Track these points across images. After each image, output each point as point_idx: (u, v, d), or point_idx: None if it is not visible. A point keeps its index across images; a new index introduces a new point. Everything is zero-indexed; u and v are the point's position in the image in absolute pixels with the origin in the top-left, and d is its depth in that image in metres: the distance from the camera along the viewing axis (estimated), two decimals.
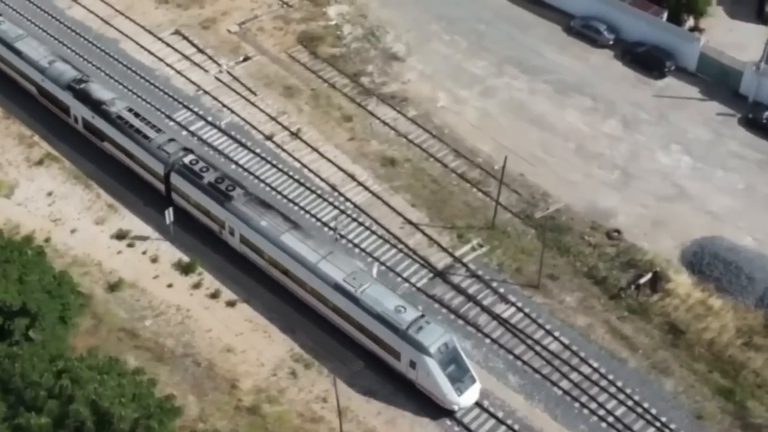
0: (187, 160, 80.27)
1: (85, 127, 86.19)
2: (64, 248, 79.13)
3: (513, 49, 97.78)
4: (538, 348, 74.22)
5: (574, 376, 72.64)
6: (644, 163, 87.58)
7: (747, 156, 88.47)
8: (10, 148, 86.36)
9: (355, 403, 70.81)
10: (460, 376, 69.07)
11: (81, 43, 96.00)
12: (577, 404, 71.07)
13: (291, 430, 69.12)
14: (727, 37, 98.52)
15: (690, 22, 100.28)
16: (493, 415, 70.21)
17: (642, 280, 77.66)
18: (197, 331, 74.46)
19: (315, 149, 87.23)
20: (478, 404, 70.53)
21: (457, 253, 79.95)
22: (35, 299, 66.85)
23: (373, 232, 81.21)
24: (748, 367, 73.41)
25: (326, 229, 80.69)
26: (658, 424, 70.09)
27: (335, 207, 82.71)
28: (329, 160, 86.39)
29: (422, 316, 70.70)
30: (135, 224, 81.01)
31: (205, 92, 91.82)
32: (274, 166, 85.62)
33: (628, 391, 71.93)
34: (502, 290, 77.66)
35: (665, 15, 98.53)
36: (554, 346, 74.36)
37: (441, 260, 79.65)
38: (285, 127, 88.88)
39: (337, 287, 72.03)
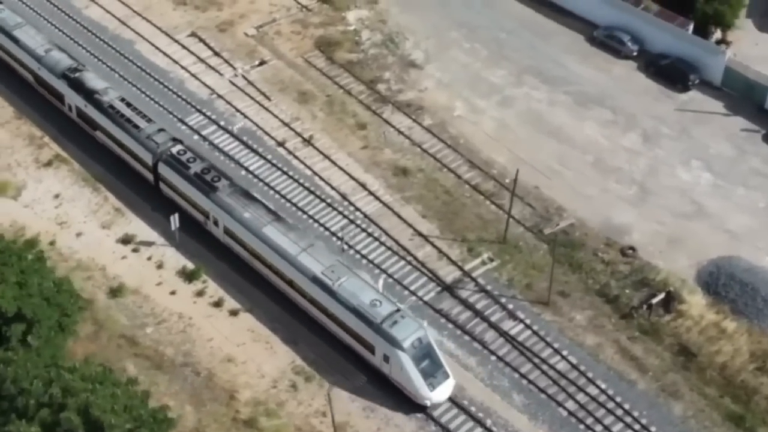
0: (175, 150, 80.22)
1: (78, 116, 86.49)
2: (69, 252, 78.26)
3: (534, 58, 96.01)
4: (544, 367, 72.53)
5: (580, 396, 70.89)
6: (663, 179, 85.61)
7: None
8: (20, 148, 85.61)
9: (354, 418, 69.39)
10: (433, 372, 68.72)
11: (96, 44, 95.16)
12: (582, 426, 69.31)
13: None
14: (755, 51, 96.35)
15: (717, 34, 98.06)
16: None
17: (655, 300, 75.78)
18: (198, 340, 73.34)
19: (327, 157, 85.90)
20: (481, 424, 69.13)
21: (467, 267, 78.39)
22: (32, 305, 65.88)
23: (382, 243, 79.77)
24: (760, 393, 71.43)
25: (334, 239, 79.34)
26: None
27: (345, 216, 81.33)
28: (341, 169, 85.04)
29: (398, 310, 70.27)
30: (141, 229, 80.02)
31: (219, 96, 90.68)
32: (284, 173, 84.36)
33: (636, 414, 70.04)
34: (510, 306, 76.02)
35: (691, 27, 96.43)
36: (561, 366, 72.61)
37: (450, 274, 78.10)
38: (298, 134, 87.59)
39: (315, 280, 71.94)
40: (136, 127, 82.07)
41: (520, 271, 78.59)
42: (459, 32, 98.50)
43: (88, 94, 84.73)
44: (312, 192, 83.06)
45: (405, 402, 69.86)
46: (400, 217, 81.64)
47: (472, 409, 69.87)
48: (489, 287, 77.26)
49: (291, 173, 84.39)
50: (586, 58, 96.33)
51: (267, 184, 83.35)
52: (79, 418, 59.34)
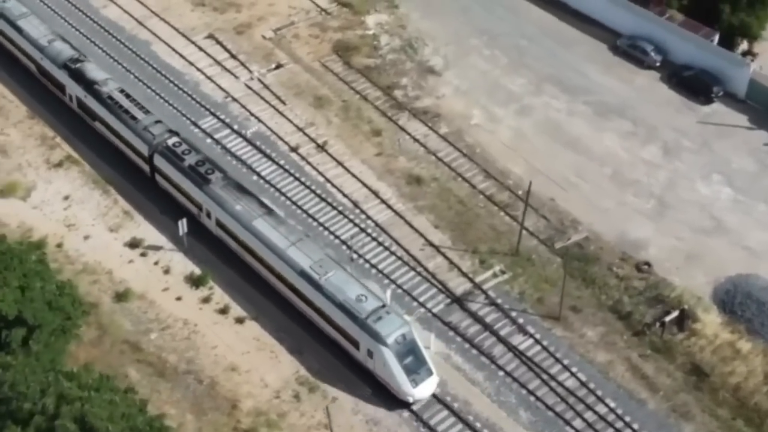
0: (170, 142, 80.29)
1: (78, 106, 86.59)
2: (76, 255, 77.54)
3: (554, 66, 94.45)
4: (553, 384, 71.01)
5: (588, 415, 69.30)
6: (682, 193, 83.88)
7: None
8: (31, 148, 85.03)
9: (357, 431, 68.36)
10: (416, 368, 68.46)
11: (113, 44, 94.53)
12: None
13: None
14: None
15: (743, 46, 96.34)
16: None
17: (668, 318, 74.14)
18: (202, 348, 72.38)
19: (340, 163, 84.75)
20: None
21: (478, 279, 77.01)
22: (33, 309, 65.29)
23: (393, 253, 78.52)
24: None
25: (343, 247, 78.22)
26: None
27: (355, 225, 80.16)
28: (354, 176, 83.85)
29: (383, 306, 70.05)
30: (150, 233, 79.18)
31: (234, 99, 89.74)
32: (296, 179, 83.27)
33: None
34: (521, 321, 74.61)
35: (716, 38, 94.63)
36: (570, 383, 71.09)
37: (460, 286, 76.74)
38: (312, 139, 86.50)
39: (303, 274, 71.81)
40: (134, 118, 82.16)
41: (532, 284, 77.14)
42: (479, 39, 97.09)
43: (88, 85, 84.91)
44: (323, 199, 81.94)
45: (411, 416, 68.80)
46: (411, 226, 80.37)
47: (477, 425, 68.44)
48: (499, 300, 75.87)
49: (303, 179, 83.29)
50: (608, 68, 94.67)
51: (278, 190, 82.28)
52: (74, 426, 58.68)
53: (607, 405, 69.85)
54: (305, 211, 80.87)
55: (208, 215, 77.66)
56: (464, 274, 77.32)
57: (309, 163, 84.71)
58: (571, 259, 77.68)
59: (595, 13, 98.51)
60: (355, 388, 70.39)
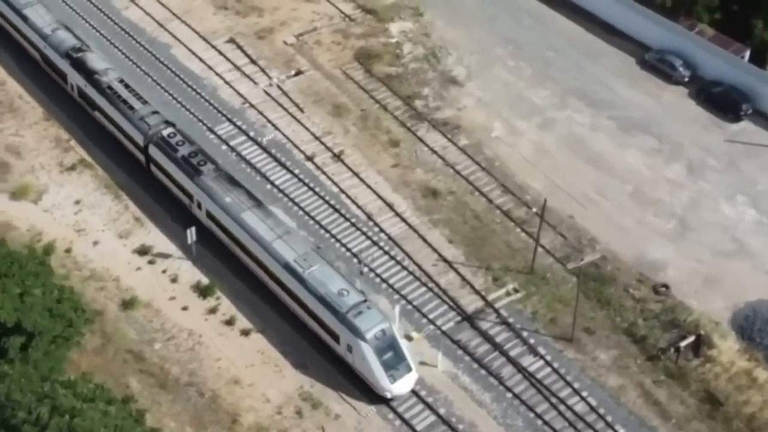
0: (165, 133, 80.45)
1: (79, 96, 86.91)
2: (84, 260, 76.71)
3: (580, 79, 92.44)
4: (562, 407, 69.26)
5: None
6: (705, 214, 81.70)
7: None
8: (45, 150, 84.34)
9: None
10: (395, 364, 68.36)
11: (132, 46, 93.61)
12: None
13: None
14: None
15: None
16: None
17: (684, 343, 72.11)
18: (206, 359, 71.28)
19: (356, 174, 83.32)
20: None
21: (490, 297, 75.35)
22: (32, 317, 64.42)
23: (404, 268, 77.02)
24: None
25: (355, 260, 76.85)
26: None
27: (368, 238, 78.71)
28: (369, 187, 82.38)
29: (364, 301, 70.08)
30: (159, 240, 78.21)
31: (251, 105, 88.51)
32: (310, 189, 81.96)
33: None
34: (532, 341, 72.90)
35: (747, 54, 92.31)
36: (580, 407, 69.34)
37: (472, 303, 75.14)
38: (328, 148, 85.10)
39: (287, 267, 71.95)
40: (131, 108, 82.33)
41: (546, 304, 75.38)
42: (505, 49, 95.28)
43: (89, 74, 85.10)
44: (337, 210, 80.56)
45: None
46: (425, 240, 78.84)
47: None
48: (511, 320, 74.20)
49: (317, 189, 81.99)
50: (634, 82, 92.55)
51: (292, 200, 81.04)
52: None
53: None
54: (317, 222, 79.57)
55: (199, 206, 77.97)
56: (476, 292, 75.71)
57: (324, 173, 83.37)
58: (586, 279, 75.83)
59: (624, 25, 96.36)
60: (358, 405, 69.05)
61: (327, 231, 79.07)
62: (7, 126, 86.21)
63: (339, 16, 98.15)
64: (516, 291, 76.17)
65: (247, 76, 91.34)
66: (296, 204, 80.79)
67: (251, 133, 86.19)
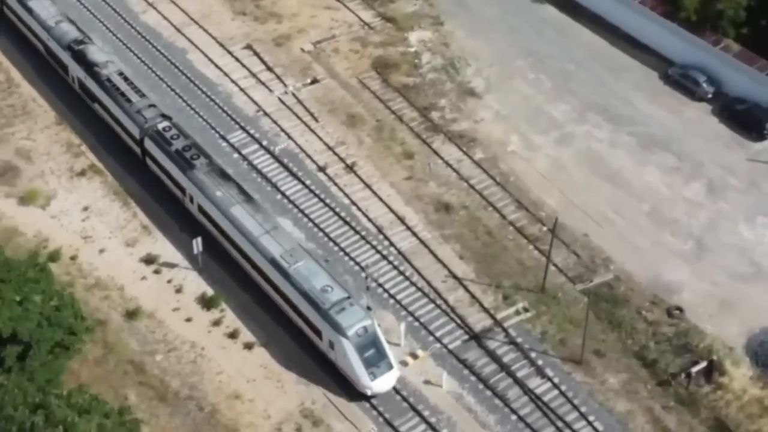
0: (161, 126, 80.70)
1: (79, 87, 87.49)
2: (89, 268, 75.99)
3: (600, 94, 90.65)
4: None
5: None
6: (723, 235, 79.77)
7: None
8: (56, 155, 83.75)
9: None
10: (376, 361, 68.38)
11: (149, 51, 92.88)
12: None
13: None
14: None
15: None
16: None
17: (695, 369, 70.37)
18: (207, 373, 70.31)
19: (368, 186, 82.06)
20: None
21: (499, 316, 73.89)
22: (29, 326, 63.46)
23: (413, 284, 75.72)
24: None
25: (362, 274, 75.62)
26: None
27: (377, 252, 77.44)
28: (381, 199, 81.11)
29: (348, 297, 70.12)
30: (166, 249, 77.36)
31: (266, 114, 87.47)
32: (321, 200, 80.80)
33: None
34: (540, 362, 71.36)
35: None
36: None
37: (480, 322, 73.71)
38: (341, 159, 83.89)
39: (273, 262, 72.10)
40: (129, 101, 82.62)
41: (556, 324, 73.82)
42: (525, 61, 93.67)
43: (89, 66, 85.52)
44: (347, 223, 79.36)
45: None
46: (435, 256, 77.48)
47: None
48: (520, 339, 72.71)
49: (328, 201, 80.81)
50: (656, 98, 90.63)
51: (302, 211, 79.93)
52: None
53: None
54: (327, 235, 78.42)
55: (191, 200, 78.12)
56: (485, 310, 74.28)
57: (336, 184, 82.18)
58: (598, 299, 74.34)
59: (648, 38, 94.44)
60: (360, 424, 67.88)
61: (336, 244, 77.90)
62: (19, 129, 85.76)
63: (358, 23, 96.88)
64: (526, 310, 74.71)
65: (263, 84, 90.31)
66: (306, 215, 79.66)
67: (264, 142, 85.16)
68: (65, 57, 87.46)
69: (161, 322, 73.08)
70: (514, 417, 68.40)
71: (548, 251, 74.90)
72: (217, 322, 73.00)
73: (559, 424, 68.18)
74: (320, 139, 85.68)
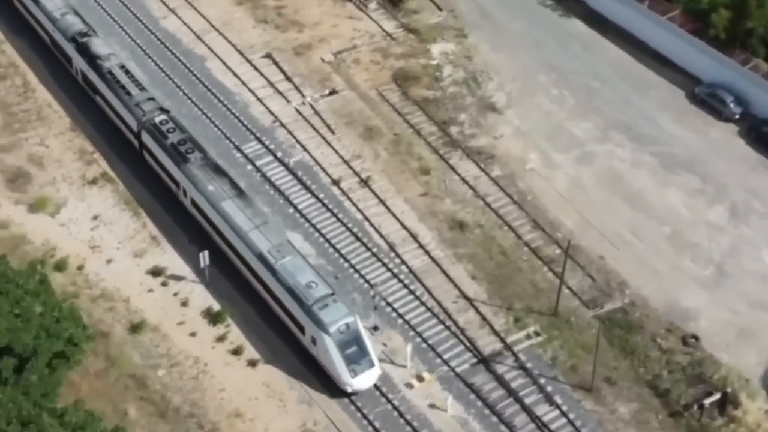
0: (158, 119, 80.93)
1: (82, 80, 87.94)
2: (95, 279, 75.04)
3: (624, 112, 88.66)
4: None
5: None
6: (745, 262, 77.65)
7: None
8: (69, 162, 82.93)
9: None
10: (357, 359, 68.34)
11: (167, 58, 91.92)
12: None
13: None
14: None
15: None
16: None
17: (708, 400, 68.46)
18: (209, 390, 69.13)
19: (382, 201, 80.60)
20: None
21: (509, 339, 72.23)
22: (25, 337, 62.38)
23: (423, 303, 74.19)
24: None
25: (371, 292, 74.19)
26: None
27: (388, 269, 75.97)
28: (394, 216, 79.64)
29: (332, 294, 70.15)
30: (174, 261, 76.26)
31: (282, 125, 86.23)
32: (334, 215, 79.41)
33: None
34: (549, 389, 69.64)
35: None
36: None
37: (489, 345, 72.07)
38: (356, 173, 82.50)
39: (260, 257, 72.30)
40: (128, 94, 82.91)
41: (567, 349, 72.05)
42: (549, 76, 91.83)
43: (91, 59, 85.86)
44: (359, 239, 77.92)
45: None
46: (447, 275, 75.93)
47: None
48: (529, 365, 70.99)
49: (341, 216, 79.40)
50: (681, 117, 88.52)
51: (313, 226, 78.58)
52: None
53: None
54: (338, 250, 77.02)
55: (185, 194, 78.34)
56: (495, 333, 72.64)
57: (349, 199, 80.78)
58: (612, 325, 72.66)
59: (675, 55, 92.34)
60: None
61: (346, 260, 76.50)
62: (32, 135, 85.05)
63: (381, 34, 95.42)
64: (537, 334, 72.98)
65: (280, 93, 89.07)
66: (318, 230, 78.32)
67: (279, 154, 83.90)
68: (69, 49, 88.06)
69: (165, 336, 72.00)
70: None
71: (561, 273, 73.12)
72: (221, 338, 71.82)
73: None
74: (336, 151, 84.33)
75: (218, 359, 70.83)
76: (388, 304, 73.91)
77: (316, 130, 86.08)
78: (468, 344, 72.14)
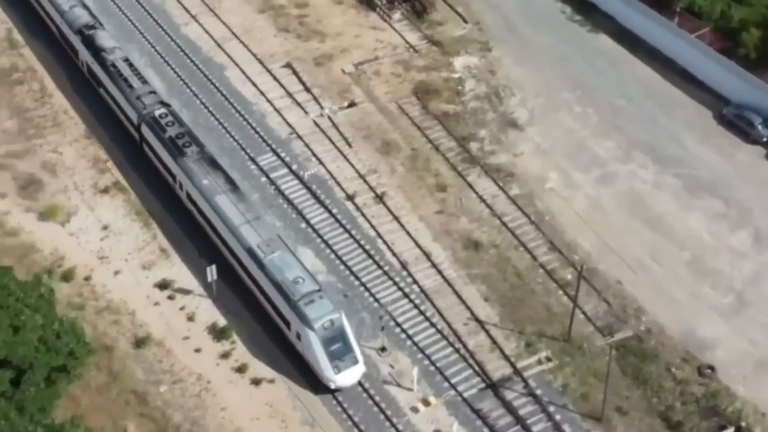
0: (157, 113, 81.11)
1: (88, 72, 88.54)
2: (102, 290, 74.13)
3: (649, 132, 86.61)
4: None
5: None
6: (766, 290, 75.50)
7: None
8: (82, 170, 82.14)
9: None
10: (341, 355, 68.30)
11: (186, 65, 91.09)
12: None
13: None
14: None
15: None
16: None
17: None
18: (211, 408, 67.96)
19: (396, 218, 79.18)
20: None
21: (520, 365, 70.54)
22: (23, 351, 61.55)
23: (433, 325, 72.65)
24: None
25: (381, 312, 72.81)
26: None
27: (399, 288, 74.51)
28: (408, 233, 78.16)
29: (318, 290, 70.10)
30: (182, 275, 75.23)
31: (298, 137, 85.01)
32: (346, 230, 78.07)
33: None
34: (558, 417, 67.85)
35: None
36: None
37: (499, 369, 70.41)
38: (371, 188, 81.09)
39: (250, 251, 72.38)
40: (130, 86, 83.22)
41: (579, 377, 70.24)
42: (573, 93, 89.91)
43: (96, 51, 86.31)
44: (371, 256, 76.52)
45: None
46: (459, 296, 74.33)
47: None
48: (539, 391, 69.25)
49: (353, 232, 78.04)
50: (708, 138, 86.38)
51: (325, 242, 77.26)
52: None
53: None
54: (348, 268, 75.65)
55: (181, 187, 78.54)
56: (506, 357, 70.97)
57: (363, 215, 79.41)
58: (626, 352, 70.82)
59: (704, 75, 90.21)
60: None
61: (357, 278, 75.12)
62: (47, 141, 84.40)
63: (403, 45, 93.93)
64: (548, 360, 71.26)
65: (299, 105, 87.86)
66: (329, 246, 76.99)
67: (294, 166, 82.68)
68: (76, 41, 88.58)
69: (169, 351, 70.92)
70: None
71: (575, 297, 71.34)
72: (226, 355, 70.63)
73: None
74: (352, 165, 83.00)
75: (222, 377, 69.66)
76: (398, 324, 72.47)
77: (333, 143, 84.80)
78: (477, 368, 70.53)
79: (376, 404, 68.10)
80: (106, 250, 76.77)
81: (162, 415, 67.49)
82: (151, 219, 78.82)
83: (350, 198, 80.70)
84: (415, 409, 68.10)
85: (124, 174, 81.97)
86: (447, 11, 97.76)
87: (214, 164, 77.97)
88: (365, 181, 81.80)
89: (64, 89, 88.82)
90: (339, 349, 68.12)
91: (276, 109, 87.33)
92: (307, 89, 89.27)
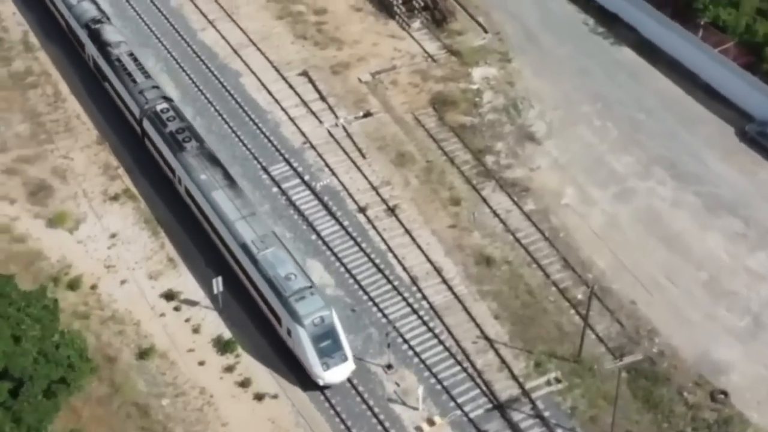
0: (159, 108, 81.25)
1: (93, 66, 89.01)
2: (108, 300, 73.32)
3: (669, 148, 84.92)
4: None
5: None
6: None
7: None
8: (92, 177, 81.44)
9: None
10: (330, 352, 68.27)
11: (201, 71, 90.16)
12: None
13: None
14: None
15: None
16: None
17: None
18: (212, 423, 66.99)
19: (408, 231, 77.92)
20: None
21: (528, 385, 69.14)
22: (22, 362, 60.81)
23: (441, 342, 71.34)
24: None
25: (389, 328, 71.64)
26: None
27: (408, 304, 73.32)
28: (419, 247, 76.87)
29: (310, 286, 70.18)
30: (189, 285, 74.31)
31: (312, 146, 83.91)
32: (357, 243, 76.91)
33: None
34: None
35: None
36: None
37: (507, 390, 69.02)
38: (383, 200, 79.87)
39: (244, 247, 72.56)
40: (134, 81, 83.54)
41: (588, 399, 68.74)
42: (592, 106, 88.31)
43: (102, 46, 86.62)
44: (380, 270, 75.33)
45: None
46: (469, 314, 72.99)
47: None
48: (547, 413, 67.84)
49: (364, 245, 76.86)
50: (729, 155, 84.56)
51: (335, 254, 76.14)
52: None
53: None
54: (357, 282, 74.47)
55: (180, 182, 78.78)
56: (514, 377, 69.59)
57: (374, 227, 78.19)
58: (638, 375, 69.24)
59: (727, 90, 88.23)
60: None
61: (365, 292, 73.93)
62: (58, 147, 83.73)
63: (422, 55, 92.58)
64: (558, 381, 69.81)
65: (313, 114, 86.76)
66: (339, 259, 75.87)
67: (306, 177, 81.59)
68: (82, 35, 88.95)
69: (173, 364, 69.99)
70: None
71: (585, 317, 69.89)
72: (230, 368, 69.65)
73: None
74: (365, 177, 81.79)
75: (225, 391, 68.66)
76: (405, 341, 71.29)
77: (346, 153, 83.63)
78: (484, 388, 69.14)
79: (380, 423, 66.85)
80: (113, 258, 75.99)
81: (163, 429, 66.57)
82: (159, 228, 77.98)
83: (362, 210, 79.47)
84: (419, 429, 66.82)
85: (134, 181, 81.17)
86: (467, 21, 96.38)
87: (213, 159, 78.04)
88: (378, 193, 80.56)
89: (77, 94, 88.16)
90: (328, 346, 68.06)
91: (290, 118, 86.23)
92: (323, 98, 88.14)
